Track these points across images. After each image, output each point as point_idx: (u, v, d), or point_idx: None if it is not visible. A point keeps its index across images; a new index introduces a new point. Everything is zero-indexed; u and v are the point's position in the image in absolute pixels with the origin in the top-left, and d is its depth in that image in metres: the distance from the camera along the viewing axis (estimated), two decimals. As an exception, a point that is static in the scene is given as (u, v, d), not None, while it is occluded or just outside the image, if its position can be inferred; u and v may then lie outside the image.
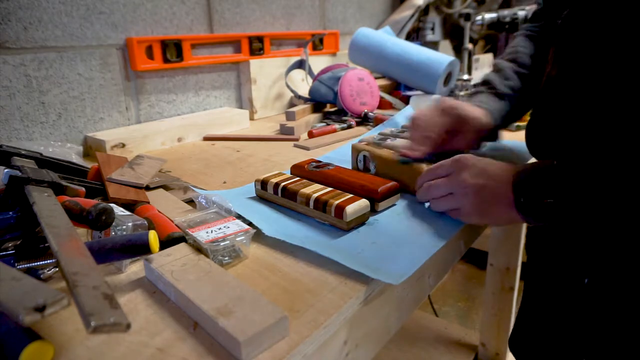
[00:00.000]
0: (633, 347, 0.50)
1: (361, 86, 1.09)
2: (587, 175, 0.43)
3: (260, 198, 0.61)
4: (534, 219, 0.48)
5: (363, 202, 0.52)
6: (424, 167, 0.59)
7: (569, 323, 0.55)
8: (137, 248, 0.41)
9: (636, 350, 0.50)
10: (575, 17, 0.51)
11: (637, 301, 0.49)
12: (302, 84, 1.29)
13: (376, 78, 1.27)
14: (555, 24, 0.56)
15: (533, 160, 0.75)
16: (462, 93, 1.24)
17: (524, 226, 1.31)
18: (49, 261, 0.43)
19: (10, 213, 0.45)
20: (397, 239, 0.49)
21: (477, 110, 0.64)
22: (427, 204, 0.57)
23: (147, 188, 0.64)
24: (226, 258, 0.45)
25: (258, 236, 0.50)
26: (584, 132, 0.49)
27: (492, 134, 0.68)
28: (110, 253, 0.41)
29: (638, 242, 0.48)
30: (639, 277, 0.48)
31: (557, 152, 0.55)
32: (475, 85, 0.77)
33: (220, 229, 0.47)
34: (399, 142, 0.75)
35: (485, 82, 0.70)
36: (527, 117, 1.03)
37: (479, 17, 1.61)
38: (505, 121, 0.69)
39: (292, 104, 1.27)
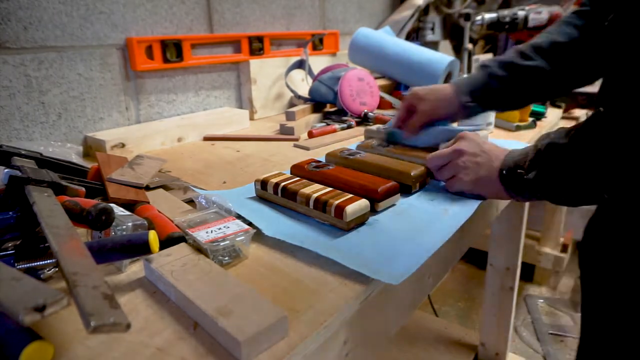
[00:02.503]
0: None
1: (361, 86, 1.10)
2: (561, 160, 0.49)
3: (260, 198, 0.61)
4: (514, 191, 0.55)
5: (363, 202, 0.52)
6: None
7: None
8: (137, 248, 0.41)
9: None
10: (621, 21, 0.51)
11: None
12: (302, 84, 1.29)
13: (376, 78, 1.27)
14: (602, 26, 0.56)
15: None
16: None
17: (524, 226, 1.31)
18: (49, 261, 0.43)
19: (10, 213, 0.45)
20: (397, 239, 0.49)
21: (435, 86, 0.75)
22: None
23: (147, 188, 0.64)
24: (226, 258, 0.45)
25: (258, 236, 0.50)
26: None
27: (472, 109, 0.72)
28: (110, 253, 0.41)
29: None
30: None
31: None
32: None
33: (220, 229, 0.47)
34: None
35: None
36: (527, 118, 1.03)
37: (478, 17, 1.61)
38: (486, 95, 0.71)
39: (292, 104, 1.27)
